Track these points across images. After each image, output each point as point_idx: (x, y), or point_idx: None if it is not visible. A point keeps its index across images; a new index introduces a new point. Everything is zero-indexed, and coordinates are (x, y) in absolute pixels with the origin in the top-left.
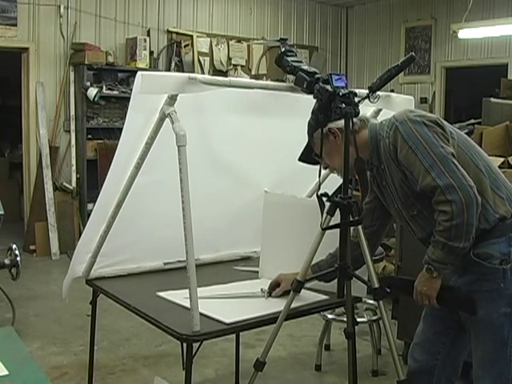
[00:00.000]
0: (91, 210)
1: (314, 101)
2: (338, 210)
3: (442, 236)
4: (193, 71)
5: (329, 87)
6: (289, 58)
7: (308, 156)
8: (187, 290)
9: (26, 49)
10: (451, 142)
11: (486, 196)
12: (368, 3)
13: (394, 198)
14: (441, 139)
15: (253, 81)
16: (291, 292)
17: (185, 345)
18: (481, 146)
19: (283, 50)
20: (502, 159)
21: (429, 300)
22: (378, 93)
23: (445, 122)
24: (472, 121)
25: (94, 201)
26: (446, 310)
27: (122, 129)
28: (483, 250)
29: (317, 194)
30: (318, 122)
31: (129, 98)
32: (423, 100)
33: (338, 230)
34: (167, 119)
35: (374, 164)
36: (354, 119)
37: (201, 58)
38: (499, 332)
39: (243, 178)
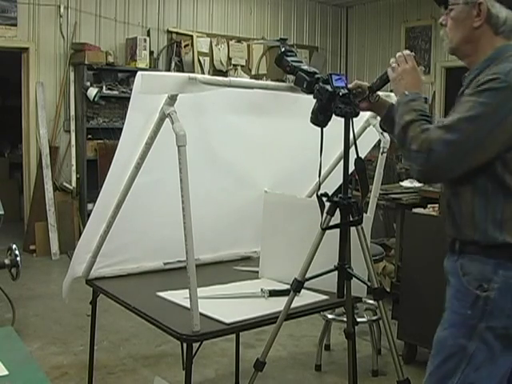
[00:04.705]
0: (91, 210)
1: (314, 101)
2: (337, 209)
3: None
4: (193, 71)
5: (329, 87)
6: (289, 58)
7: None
8: (187, 290)
9: (26, 49)
10: None
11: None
12: (368, 3)
13: None
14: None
15: (253, 81)
16: (291, 292)
17: (185, 345)
18: None
19: (283, 49)
20: None
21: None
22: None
23: None
24: None
25: (93, 201)
26: None
27: (122, 129)
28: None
29: (317, 194)
30: (318, 121)
31: (129, 98)
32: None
33: (338, 230)
34: (167, 119)
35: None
36: None
37: (201, 58)
38: (446, 363)
39: (243, 178)
